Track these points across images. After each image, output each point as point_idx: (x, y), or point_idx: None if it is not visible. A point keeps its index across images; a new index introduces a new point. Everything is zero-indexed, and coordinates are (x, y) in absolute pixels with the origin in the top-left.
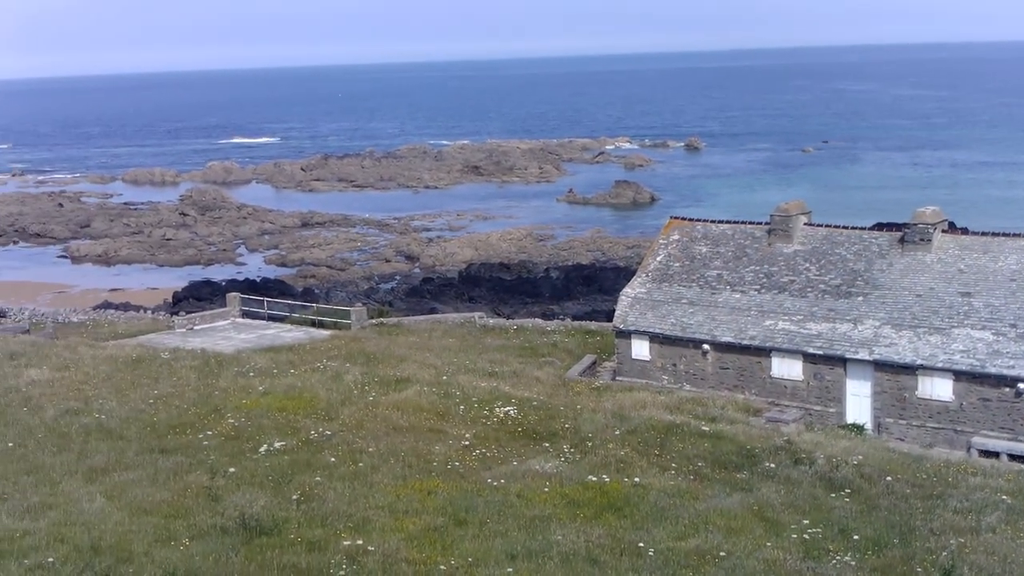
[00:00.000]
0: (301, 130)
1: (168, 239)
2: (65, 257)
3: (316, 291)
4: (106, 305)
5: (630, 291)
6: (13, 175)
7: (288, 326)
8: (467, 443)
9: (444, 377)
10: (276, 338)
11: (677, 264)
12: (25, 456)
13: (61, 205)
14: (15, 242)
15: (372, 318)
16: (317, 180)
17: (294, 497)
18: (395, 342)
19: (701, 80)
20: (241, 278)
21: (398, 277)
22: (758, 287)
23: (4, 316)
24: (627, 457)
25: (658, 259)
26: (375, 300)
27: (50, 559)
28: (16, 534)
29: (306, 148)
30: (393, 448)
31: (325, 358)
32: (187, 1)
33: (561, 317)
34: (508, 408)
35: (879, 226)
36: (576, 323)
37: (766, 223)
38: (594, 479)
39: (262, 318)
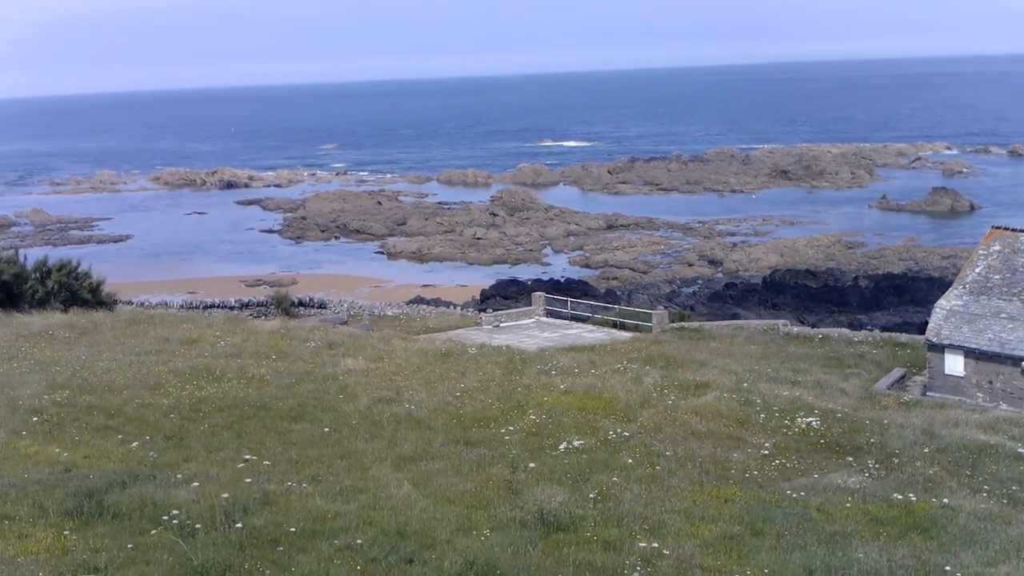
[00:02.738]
0: (608, 133)
1: (478, 238)
2: (382, 253)
3: (618, 293)
4: (418, 300)
5: (945, 303)
6: (336, 174)
7: (590, 326)
8: (766, 452)
9: (745, 384)
10: (578, 338)
11: (997, 276)
12: (340, 441)
13: (380, 203)
14: (336, 237)
15: (673, 322)
16: (623, 183)
17: (591, 496)
18: (695, 347)
19: (1014, 84)
20: (546, 278)
21: (700, 281)
22: None
23: (325, 307)
24: (936, 476)
25: (976, 270)
26: (676, 304)
27: (358, 541)
28: (328, 515)
29: (613, 151)
30: (691, 453)
31: (625, 359)
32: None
33: (869, 328)
34: (810, 419)
35: None
36: (885, 334)
37: None
38: (899, 497)
39: (565, 318)
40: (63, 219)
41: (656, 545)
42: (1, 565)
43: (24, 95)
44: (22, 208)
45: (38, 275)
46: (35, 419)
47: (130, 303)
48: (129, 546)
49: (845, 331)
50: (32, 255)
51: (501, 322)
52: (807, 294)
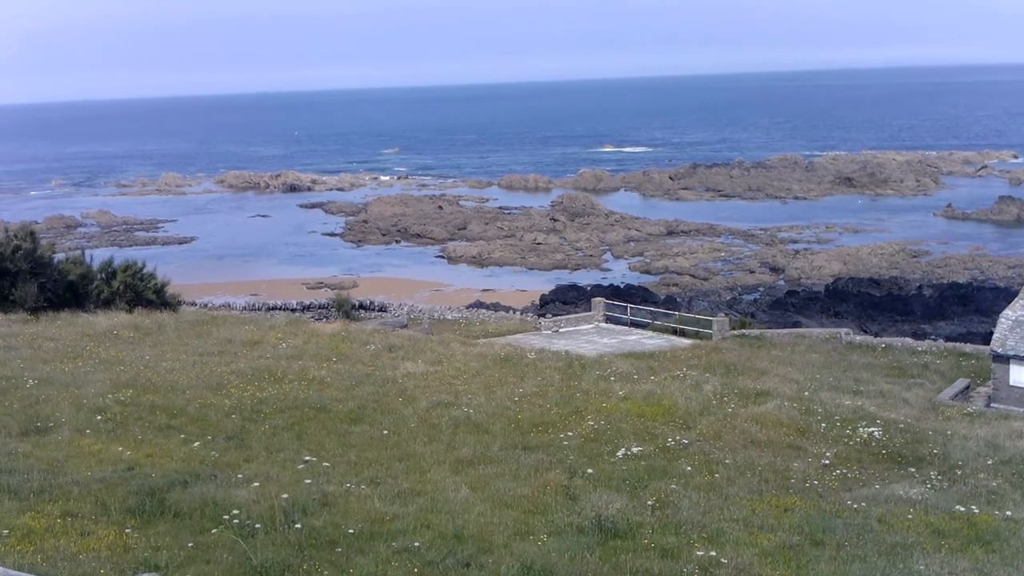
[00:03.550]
0: (668, 139)
1: (538, 243)
2: (442, 257)
3: (678, 299)
4: (478, 304)
5: (1011, 313)
6: (398, 178)
7: (650, 333)
8: (827, 462)
9: (806, 393)
10: (637, 344)
11: None
12: (398, 444)
13: (441, 208)
14: (397, 241)
15: (734, 329)
16: (685, 189)
17: (649, 503)
18: (756, 354)
19: None
20: (606, 284)
21: (761, 289)
22: None
23: (385, 310)
24: (999, 489)
25: None
26: (737, 311)
27: (416, 543)
28: (386, 517)
29: (674, 157)
30: (750, 461)
31: (685, 366)
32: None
33: (933, 337)
34: (872, 429)
35: None
36: (949, 344)
37: None
38: (962, 509)
39: (624, 323)
40: (129, 220)
41: (714, 554)
42: (64, 562)
43: (86, 97)
44: (89, 209)
45: (104, 276)
46: (99, 418)
47: (194, 304)
48: (190, 545)
49: (908, 340)
50: (98, 256)
51: (560, 327)
52: (870, 303)
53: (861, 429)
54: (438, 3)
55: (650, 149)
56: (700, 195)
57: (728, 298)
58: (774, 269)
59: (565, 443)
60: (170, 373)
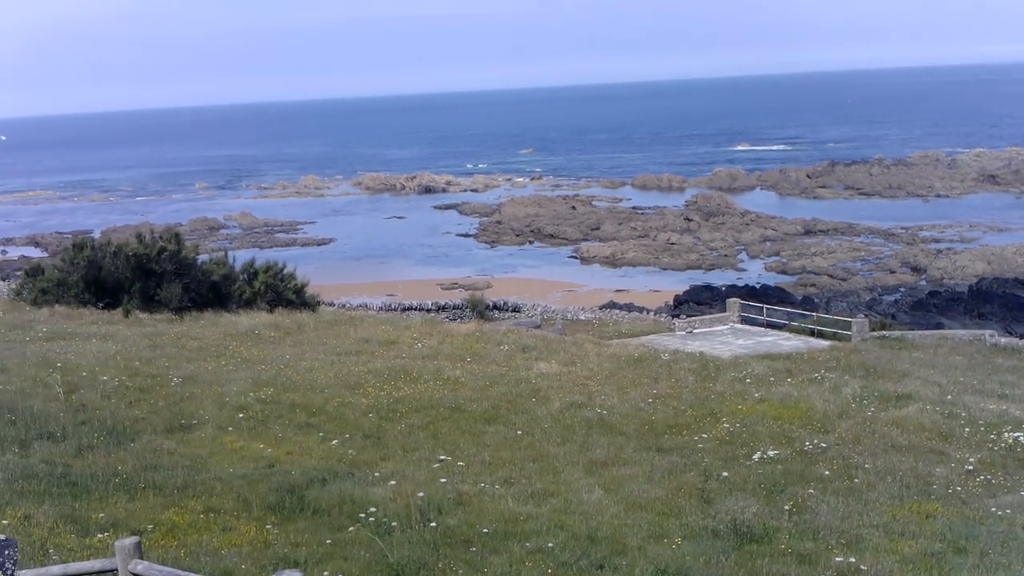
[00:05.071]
0: (805, 137)
1: (672, 243)
2: (575, 258)
3: (816, 300)
4: (611, 305)
5: None
6: (532, 179)
7: (786, 334)
8: (970, 468)
9: (948, 396)
10: (773, 345)
11: None
12: (532, 444)
13: (574, 208)
14: (531, 242)
15: (874, 330)
16: (822, 187)
17: (786, 507)
18: (897, 356)
19: None
20: (741, 284)
21: (902, 289)
22: None
23: (519, 311)
24: None
25: None
26: (877, 312)
27: (549, 544)
28: (520, 517)
29: (812, 155)
30: (890, 466)
31: (823, 368)
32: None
33: None
34: (1018, 434)
35: None
36: None
37: None
38: None
39: (760, 325)
40: (269, 222)
41: (853, 560)
42: (206, 557)
43: (229, 102)
44: (231, 211)
45: (246, 276)
46: (241, 415)
47: (332, 304)
48: (328, 541)
49: None
50: (240, 257)
51: (694, 328)
52: (1016, 304)
53: (1006, 434)
54: (570, 3)
55: (786, 147)
56: (838, 193)
57: (868, 299)
58: (915, 269)
59: (700, 445)
60: (309, 372)
